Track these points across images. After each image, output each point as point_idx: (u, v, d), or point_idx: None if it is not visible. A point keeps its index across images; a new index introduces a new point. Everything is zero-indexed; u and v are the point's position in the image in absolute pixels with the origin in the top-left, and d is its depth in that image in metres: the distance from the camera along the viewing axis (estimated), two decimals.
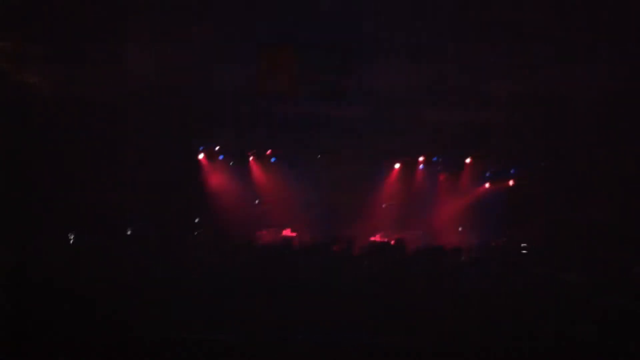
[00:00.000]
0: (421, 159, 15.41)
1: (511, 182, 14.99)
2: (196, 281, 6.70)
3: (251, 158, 15.49)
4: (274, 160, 15.49)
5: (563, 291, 6.36)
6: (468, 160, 15.13)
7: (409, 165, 15.56)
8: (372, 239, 13.92)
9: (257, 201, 15.30)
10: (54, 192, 11.03)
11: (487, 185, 15.25)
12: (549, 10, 10.06)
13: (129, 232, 12.67)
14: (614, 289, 6.24)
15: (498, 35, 10.78)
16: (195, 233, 14.23)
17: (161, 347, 5.41)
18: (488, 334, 5.64)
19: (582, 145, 12.07)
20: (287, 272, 7.18)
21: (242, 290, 6.38)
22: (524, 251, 11.59)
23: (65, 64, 10.88)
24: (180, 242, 10.96)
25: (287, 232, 14.51)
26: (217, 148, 15.18)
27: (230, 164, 15.39)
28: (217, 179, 15.14)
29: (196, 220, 14.51)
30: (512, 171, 14.96)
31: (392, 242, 12.49)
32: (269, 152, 15.38)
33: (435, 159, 15.42)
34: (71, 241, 10.19)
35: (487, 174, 15.25)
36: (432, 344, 5.57)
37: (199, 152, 15.05)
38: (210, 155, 15.21)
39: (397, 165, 15.54)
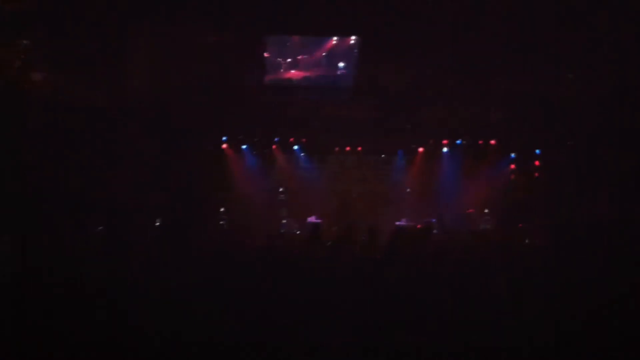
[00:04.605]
0: (445, 142, 15.36)
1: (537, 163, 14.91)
2: (207, 280, 6.58)
3: (274, 147, 15.62)
4: (297, 149, 15.62)
5: (564, 290, 6.34)
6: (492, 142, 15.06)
7: (434, 150, 15.54)
8: (398, 223, 14.02)
9: (281, 189, 15.46)
10: (55, 191, 11.01)
11: (512, 167, 15.18)
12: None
13: (157, 224, 12.86)
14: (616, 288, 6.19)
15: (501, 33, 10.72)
16: (221, 222, 14.51)
17: (163, 347, 5.39)
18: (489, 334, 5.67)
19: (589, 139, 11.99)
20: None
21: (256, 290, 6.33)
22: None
23: (77, 65, 10.96)
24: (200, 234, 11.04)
25: (312, 219, 14.60)
26: (240, 137, 15.37)
27: (254, 152, 15.56)
28: (241, 169, 15.32)
29: (221, 210, 14.72)
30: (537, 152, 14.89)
31: (419, 226, 12.60)
32: (291, 140, 15.49)
33: (459, 142, 15.34)
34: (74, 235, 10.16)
35: (512, 156, 15.19)
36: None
37: (223, 143, 15.23)
38: (233, 145, 15.41)
39: (420, 149, 15.52)
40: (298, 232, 14.20)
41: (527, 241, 11.80)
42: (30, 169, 10.05)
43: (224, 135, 15.20)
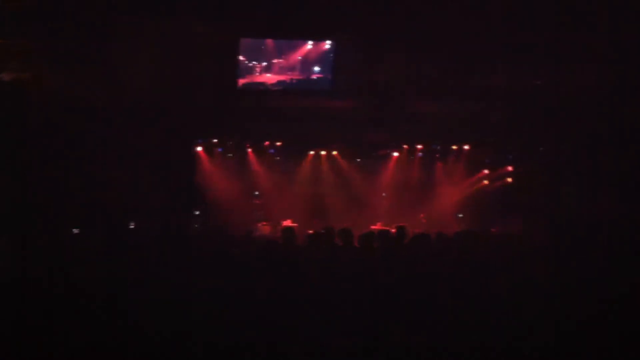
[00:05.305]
0: (420, 147, 15.47)
1: (510, 168, 15.03)
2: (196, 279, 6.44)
3: (249, 150, 15.53)
4: (272, 152, 15.54)
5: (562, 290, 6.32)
6: (466, 148, 15.16)
7: (408, 154, 15.61)
8: (373, 227, 13.97)
9: (256, 193, 15.37)
10: (55, 191, 10.94)
11: (485, 171, 15.27)
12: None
13: (130, 226, 12.55)
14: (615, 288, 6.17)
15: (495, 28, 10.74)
16: (195, 225, 14.36)
17: (162, 347, 5.37)
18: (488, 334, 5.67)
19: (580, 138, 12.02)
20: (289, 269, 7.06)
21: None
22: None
23: (62, 65, 10.92)
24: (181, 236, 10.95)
25: (287, 223, 14.53)
26: (214, 141, 15.22)
27: (229, 155, 15.44)
28: (216, 172, 15.20)
29: (196, 213, 14.58)
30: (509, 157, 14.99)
31: (393, 230, 12.56)
32: (266, 143, 15.39)
33: (434, 146, 15.45)
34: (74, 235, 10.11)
35: (486, 161, 15.28)
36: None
37: (197, 145, 15.01)
38: (208, 149, 15.27)
39: (395, 154, 15.59)
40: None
41: (526, 241, 11.79)
42: (30, 169, 10.06)
43: (205, 137, 15.07)
